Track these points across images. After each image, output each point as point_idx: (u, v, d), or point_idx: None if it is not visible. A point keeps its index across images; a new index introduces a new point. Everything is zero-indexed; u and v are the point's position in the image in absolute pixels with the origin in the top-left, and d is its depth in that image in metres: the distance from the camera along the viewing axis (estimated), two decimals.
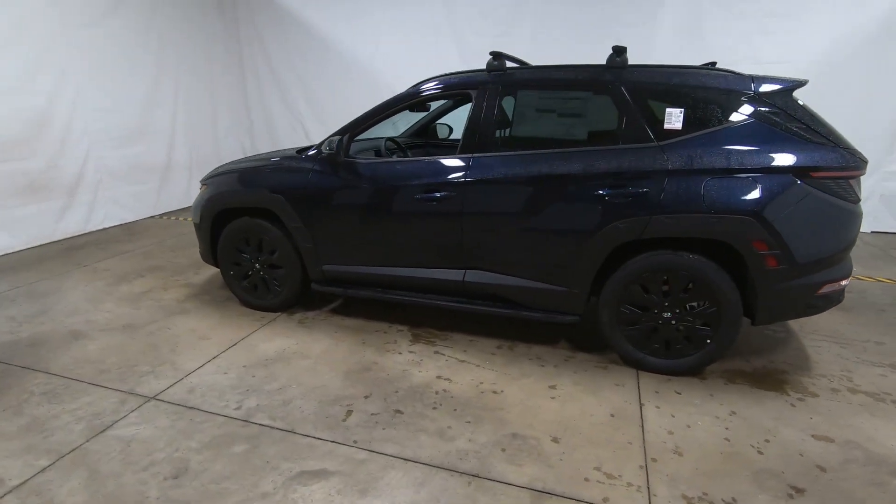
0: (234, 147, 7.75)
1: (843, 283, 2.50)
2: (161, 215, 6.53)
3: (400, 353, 2.97)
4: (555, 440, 2.21)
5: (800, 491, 1.92)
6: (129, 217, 6.32)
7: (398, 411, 2.42)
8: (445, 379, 2.70)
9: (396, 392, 2.58)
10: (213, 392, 2.57)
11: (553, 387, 2.62)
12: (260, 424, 2.32)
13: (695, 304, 2.62)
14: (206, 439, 2.22)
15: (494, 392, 2.58)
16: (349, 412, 2.41)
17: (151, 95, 6.36)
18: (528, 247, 2.77)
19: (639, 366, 2.76)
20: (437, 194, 2.86)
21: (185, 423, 2.33)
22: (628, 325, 2.72)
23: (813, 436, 2.23)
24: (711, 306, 2.55)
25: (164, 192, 6.76)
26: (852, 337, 3.13)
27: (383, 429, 2.29)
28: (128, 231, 5.85)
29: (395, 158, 3.20)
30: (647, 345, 2.71)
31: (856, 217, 2.45)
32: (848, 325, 3.29)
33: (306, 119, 7.46)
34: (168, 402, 2.49)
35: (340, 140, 3.06)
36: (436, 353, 2.98)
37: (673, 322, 2.63)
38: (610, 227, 2.56)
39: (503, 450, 2.15)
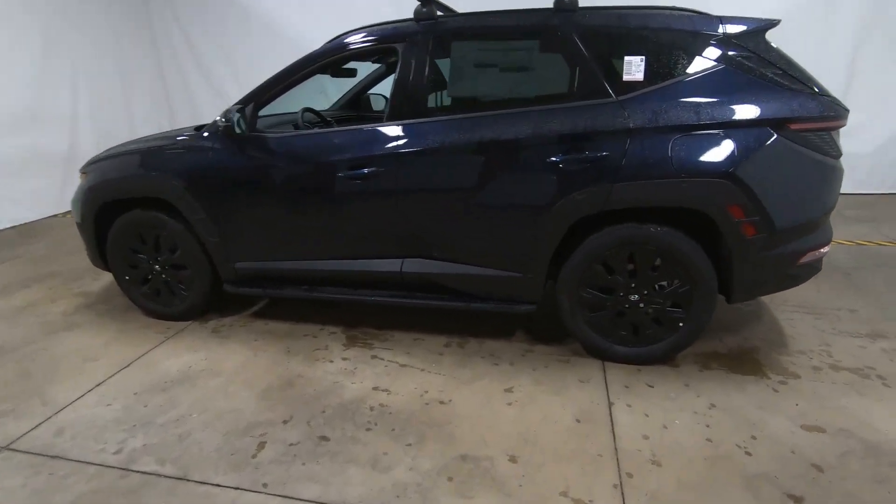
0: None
1: (825, 249, 2.23)
2: (66, 213, 5.73)
3: (331, 361, 2.52)
4: (512, 459, 1.84)
5: (798, 500, 1.62)
6: (29, 216, 5.50)
7: (324, 438, 1.98)
8: (383, 390, 2.27)
9: (323, 412, 2.14)
10: (88, 432, 2.05)
11: (510, 389, 2.25)
12: (143, 472, 1.83)
13: (665, 283, 2.30)
14: (66, 502, 1.71)
15: (441, 402, 2.18)
16: (262, 444, 1.96)
17: (41, 74, 5.49)
18: (472, 228, 2.36)
19: (605, 356, 2.42)
20: (364, 171, 2.39)
21: (42, 481, 1.81)
22: (591, 310, 2.37)
23: (802, 426, 1.95)
24: (683, 285, 2.22)
25: (70, 188, 5.92)
26: (824, 306, 2.92)
27: (303, 463, 1.85)
28: (24, 233, 5.06)
29: (311, 131, 2.69)
30: (613, 332, 2.38)
31: (838, 174, 2.17)
32: (817, 292, 3.08)
33: (235, 96, 6.72)
34: (25, 452, 1.95)
35: (242, 111, 2.52)
36: (373, 357, 2.54)
37: (641, 305, 2.30)
38: (566, 200, 2.18)
39: (450, 478, 1.76)
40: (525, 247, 2.31)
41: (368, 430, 2.02)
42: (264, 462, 1.86)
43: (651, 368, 2.35)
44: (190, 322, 2.97)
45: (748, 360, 2.41)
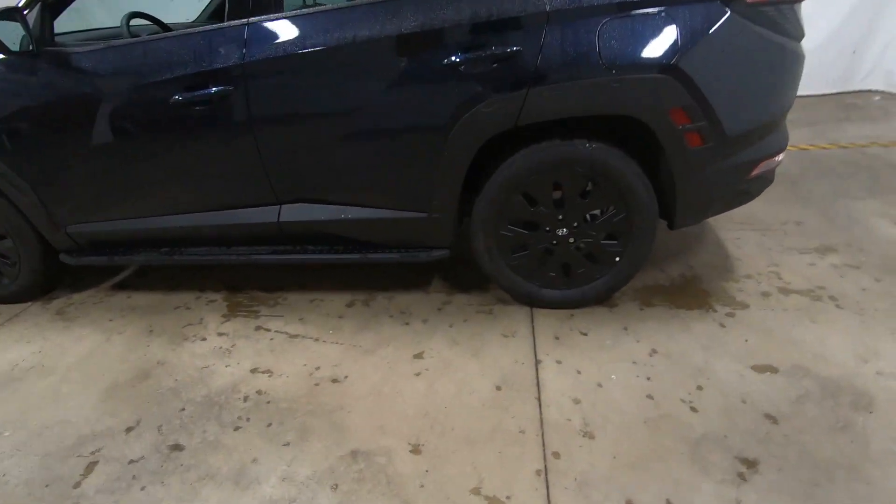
0: None
1: (780, 157, 1.88)
2: None
3: (204, 339, 2.04)
4: (415, 449, 1.48)
5: (752, 464, 1.36)
6: None
7: (176, 447, 1.54)
8: (264, 371, 1.83)
9: (182, 410, 1.68)
10: None
11: (420, 355, 1.86)
12: None
13: (597, 211, 1.91)
14: None
15: (335, 380, 1.77)
16: (92, 465, 1.50)
17: None
18: (357, 160, 1.85)
19: (533, 303, 2.06)
20: (207, 91, 1.78)
21: None
22: (513, 251, 1.97)
23: (753, 367, 1.68)
24: (619, 212, 1.84)
25: None
26: (769, 219, 2.66)
27: (143, 488, 1.41)
28: None
29: (128, 40, 2.00)
30: (541, 274, 2.00)
31: (800, 61, 1.77)
32: (761, 204, 2.80)
33: None
34: None
35: (21, 14, 1.80)
36: (258, 329, 2.08)
37: (571, 240, 1.91)
38: (471, 115, 1.69)
39: (334, 486, 1.38)
40: (425, 180, 1.83)
41: (237, 429, 1.59)
42: (89, 492, 1.41)
43: (585, 312, 2.02)
44: (30, 304, 2.37)
45: (693, 290, 2.12)
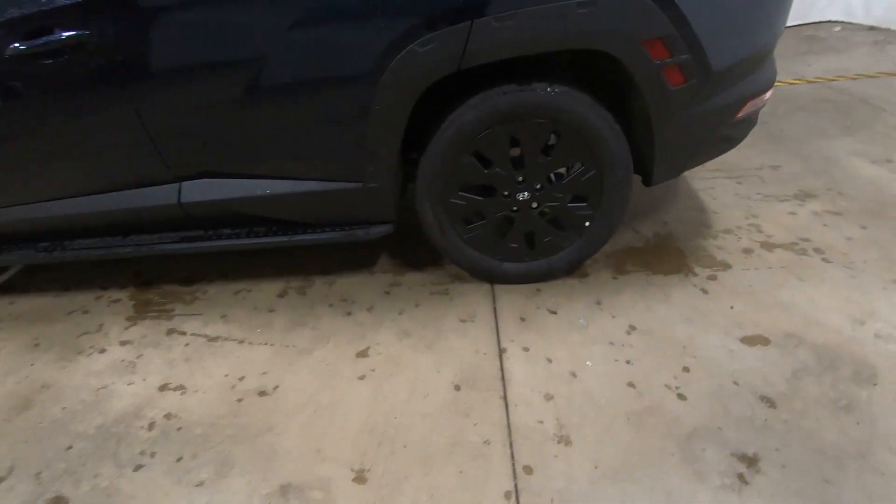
0: None
1: (769, 94, 1.63)
2: None
3: (103, 351, 1.69)
4: (360, 478, 1.22)
5: (752, 462, 1.17)
6: None
7: (58, 500, 1.23)
8: (176, 388, 1.52)
9: (70, 448, 1.36)
10: None
11: (364, 353, 1.58)
12: None
13: (563, 170, 1.63)
14: None
15: (262, 393, 1.48)
16: None
17: None
18: (269, 122, 1.48)
19: (494, 279, 1.80)
20: (56, 38, 1.36)
21: None
22: (468, 222, 1.69)
23: (743, 340, 1.49)
24: (588, 169, 1.56)
25: None
26: (743, 165, 2.45)
27: None
28: None
29: None
30: (501, 246, 1.73)
31: None
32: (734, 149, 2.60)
33: None
34: None
35: None
36: (171, 333, 1.74)
37: (534, 205, 1.64)
38: (403, 58, 1.34)
39: None
40: (355, 142, 1.49)
41: (139, 468, 1.29)
42: None
43: (554, 286, 1.77)
44: None
45: (669, 251, 1.90)
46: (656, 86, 1.38)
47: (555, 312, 1.66)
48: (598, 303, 1.68)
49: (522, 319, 1.64)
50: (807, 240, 1.90)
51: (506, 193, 1.62)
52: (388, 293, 1.83)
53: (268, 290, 1.90)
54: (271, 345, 1.65)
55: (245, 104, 1.45)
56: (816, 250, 1.84)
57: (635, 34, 1.31)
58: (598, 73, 1.57)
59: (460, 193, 1.62)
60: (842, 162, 2.39)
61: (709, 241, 1.94)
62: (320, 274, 1.97)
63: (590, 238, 1.69)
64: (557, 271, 1.76)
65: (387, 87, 1.38)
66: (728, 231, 1.99)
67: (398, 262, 1.99)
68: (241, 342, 1.67)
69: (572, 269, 1.78)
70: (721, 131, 1.58)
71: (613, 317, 1.62)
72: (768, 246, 1.88)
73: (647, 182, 1.64)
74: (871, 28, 4.45)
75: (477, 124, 1.47)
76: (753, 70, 1.51)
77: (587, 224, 1.66)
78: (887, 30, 4.34)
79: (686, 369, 1.41)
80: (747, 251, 1.87)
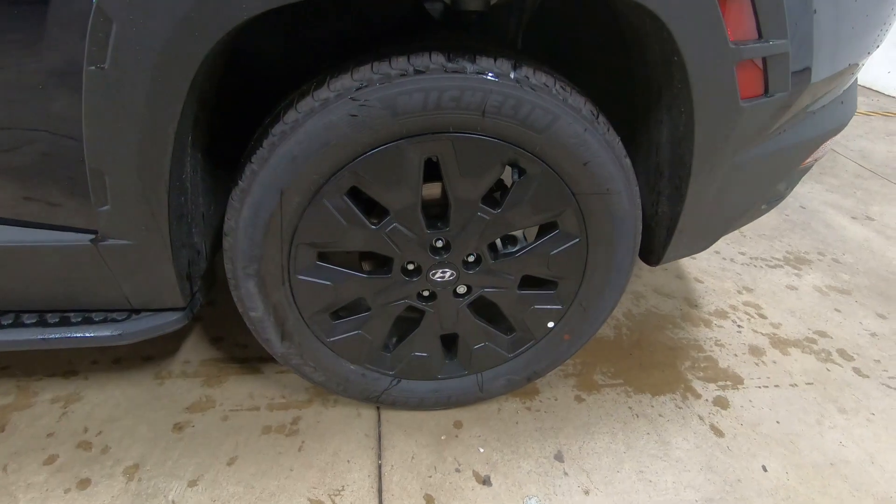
0: None
1: (838, 136, 1.03)
2: None
3: None
4: None
5: None
6: None
7: None
8: None
9: None
10: None
11: None
12: None
13: (519, 232, 0.90)
14: None
15: None
16: None
17: None
18: None
19: (381, 402, 1.03)
20: None
21: None
22: (335, 314, 0.89)
23: None
24: (567, 233, 0.85)
25: None
26: None
27: None
28: None
29: None
30: (398, 357, 0.96)
31: None
32: None
33: None
34: None
35: None
36: None
37: (461, 290, 0.89)
38: None
39: None
40: (70, 160, 0.63)
41: None
42: None
43: (484, 416, 1.04)
44: None
45: (653, 348, 1.27)
46: (720, 92, 0.70)
47: (487, 482, 0.93)
48: (559, 456, 0.98)
49: (429, 478, 0.89)
50: (824, 334, 1.36)
51: (411, 268, 0.85)
52: (180, 429, 0.97)
53: None
54: None
55: None
56: (842, 354, 1.30)
57: None
58: (603, 61, 0.86)
59: (319, 265, 0.82)
60: (821, 215, 1.95)
61: (702, 331, 1.34)
62: (62, 377, 1.05)
63: (552, 346, 0.98)
64: (492, 393, 1.03)
65: (127, 39, 0.54)
66: (722, 314, 1.40)
67: (211, 343, 1.13)
68: None
69: (515, 388, 1.06)
70: (780, 183, 0.94)
71: (586, 493, 0.92)
72: (780, 343, 1.32)
73: (652, 258, 0.96)
74: None
75: (353, 135, 0.68)
76: (841, 91, 0.90)
77: (551, 325, 0.95)
78: None
79: None
80: (756, 351, 1.29)
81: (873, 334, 1.38)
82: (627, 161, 0.78)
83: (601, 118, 0.74)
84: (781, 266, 1.64)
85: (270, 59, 0.91)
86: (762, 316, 1.41)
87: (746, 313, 1.41)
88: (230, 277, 0.79)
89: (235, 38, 0.63)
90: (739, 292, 1.50)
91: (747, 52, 0.67)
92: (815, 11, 0.68)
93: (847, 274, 1.62)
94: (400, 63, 0.65)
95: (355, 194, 0.76)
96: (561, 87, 0.70)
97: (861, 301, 1.50)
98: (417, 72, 0.65)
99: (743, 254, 1.69)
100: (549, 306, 0.92)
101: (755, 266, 1.62)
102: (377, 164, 0.71)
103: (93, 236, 0.72)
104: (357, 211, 0.76)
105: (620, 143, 0.76)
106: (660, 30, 0.66)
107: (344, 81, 0.66)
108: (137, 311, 0.83)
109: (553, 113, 0.69)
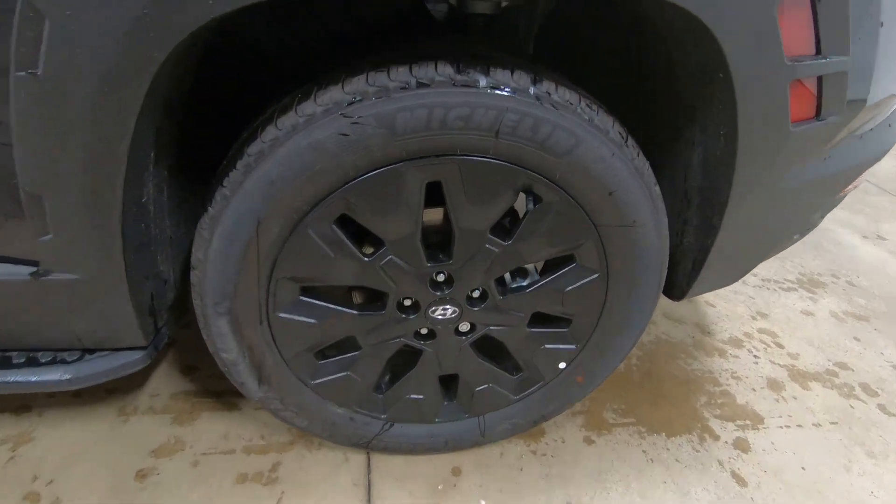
0: None
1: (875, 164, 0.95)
2: None
3: None
4: None
5: None
6: None
7: None
8: None
9: None
10: None
11: None
12: None
13: (531, 266, 0.80)
14: None
15: None
16: None
17: None
18: None
19: (372, 447, 0.92)
20: None
21: None
22: (321, 354, 0.79)
23: None
24: (586, 268, 0.75)
25: None
26: None
27: None
28: None
29: None
30: (391, 399, 0.85)
31: None
32: None
33: None
34: None
35: None
36: None
37: (464, 328, 0.79)
38: None
39: None
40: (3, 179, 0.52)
41: None
42: None
43: (487, 459, 0.94)
44: None
45: (665, 381, 1.17)
46: (769, 115, 0.60)
47: None
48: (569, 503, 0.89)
49: None
50: (844, 366, 1.28)
51: (408, 304, 0.75)
52: (143, 477, 0.86)
53: None
54: None
55: None
56: (865, 389, 1.22)
57: None
58: (621, 72, 0.77)
59: (303, 301, 0.71)
60: (831, 234, 1.88)
61: (716, 362, 1.25)
62: (13, 413, 0.94)
63: (562, 388, 0.88)
64: (494, 437, 0.93)
65: (61, 29, 0.43)
66: (737, 342, 1.32)
67: (183, 372, 1.02)
68: None
69: (520, 431, 0.96)
70: (817, 213, 0.86)
71: None
72: (800, 376, 1.24)
73: (676, 293, 0.87)
74: None
75: (343, 157, 0.58)
76: (889, 112, 0.81)
77: (562, 366, 0.85)
78: None
79: None
80: (775, 385, 1.20)
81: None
82: (657, 189, 0.68)
83: (630, 141, 0.64)
84: (795, 289, 1.56)
85: (261, 53, 0.81)
86: (779, 345, 1.33)
87: (762, 342, 1.33)
88: (199, 315, 0.69)
89: (215, 31, 0.53)
90: (753, 318, 1.41)
91: (803, 70, 0.58)
92: (881, 24, 0.59)
93: (863, 298, 1.54)
94: (400, 74, 0.55)
95: (345, 221, 0.66)
96: (587, 104, 0.61)
97: (880, 329, 1.42)
98: (421, 85, 0.55)
99: (755, 275, 1.61)
100: (561, 346, 0.82)
101: (768, 289, 1.54)
102: (371, 190, 0.61)
103: (34, 269, 0.61)
104: (347, 241, 0.66)
105: (650, 169, 0.67)
106: (702, 41, 0.57)
107: (333, 94, 0.55)
108: (91, 351, 0.72)
109: (577, 135, 0.60)
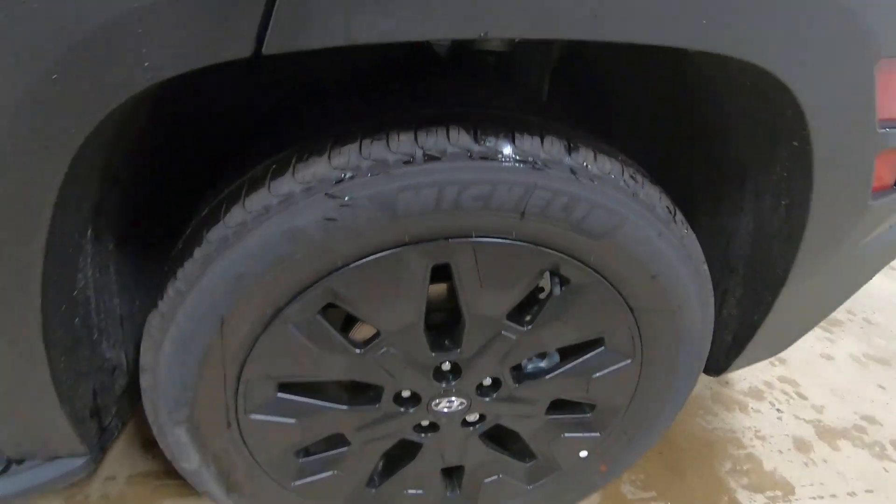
0: None
1: None
2: None
3: None
4: None
5: None
6: None
7: None
8: None
9: None
10: None
11: None
12: None
13: (548, 351, 0.68)
14: None
15: None
16: None
17: None
18: None
19: None
20: None
21: None
22: (304, 450, 0.67)
23: None
24: (618, 353, 0.64)
25: None
26: None
27: None
28: None
29: None
30: (387, 496, 0.73)
31: None
32: None
33: None
34: None
35: None
36: None
37: (472, 418, 0.68)
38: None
39: None
40: None
41: None
42: None
43: None
44: None
45: (683, 443, 1.07)
46: (849, 186, 0.50)
47: None
48: None
49: None
50: (872, 420, 1.19)
51: (406, 395, 0.63)
52: None
53: None
54: None
55: None
56: None
57: (866, 47, 0.42)
58: (649, 120, 0.66)
59: (280, 398, 0.59)
60: None
61: (737, 418, 1.15)
62: None
63: (582, 476, 0.77)
64: None
65: None
66: (758, 394, 1.22)
67: (143, 449, 0.89)
68: None
69: None
70: (862, 276, 0.76)
71: None
72: (827, 434, 1.14)
73: (713, 369, 0.76)
74: None
75: (329, 245, 0.46)
76: None
77: (583, 455, 0.74)
78: None
79: None
80: (802, 446, 1.10)
81: None
82: (705, 268, 0.58)
83: (679, 216, 0.53)
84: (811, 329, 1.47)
85: (228, 106, 0.68)
86: (802, 396, 1.23)
87: (784, 392, 1.24)
88: (152, 422, 0.56)
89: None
90: (772, 364, 1.32)
91: (894, 139, 0.47)
92: None
93: (882, 339, 1.46)
94: (403, 144, 0.43)
95: (329, 308, 0.54)
96: (630, 175, 0.50)
97: None
98: (430, 158, 0.43)
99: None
100: (583, 434, 0.71)
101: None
102: (364, 278, 0.49)
103: None
104: (335, 332, 0.54)
105: (699, 246, 0.56)
106: (776, 100, 0.46)
107: (317, 168, 0.44)
108: (20, 461, 0.59)
109: (619, 214, 0.49)
